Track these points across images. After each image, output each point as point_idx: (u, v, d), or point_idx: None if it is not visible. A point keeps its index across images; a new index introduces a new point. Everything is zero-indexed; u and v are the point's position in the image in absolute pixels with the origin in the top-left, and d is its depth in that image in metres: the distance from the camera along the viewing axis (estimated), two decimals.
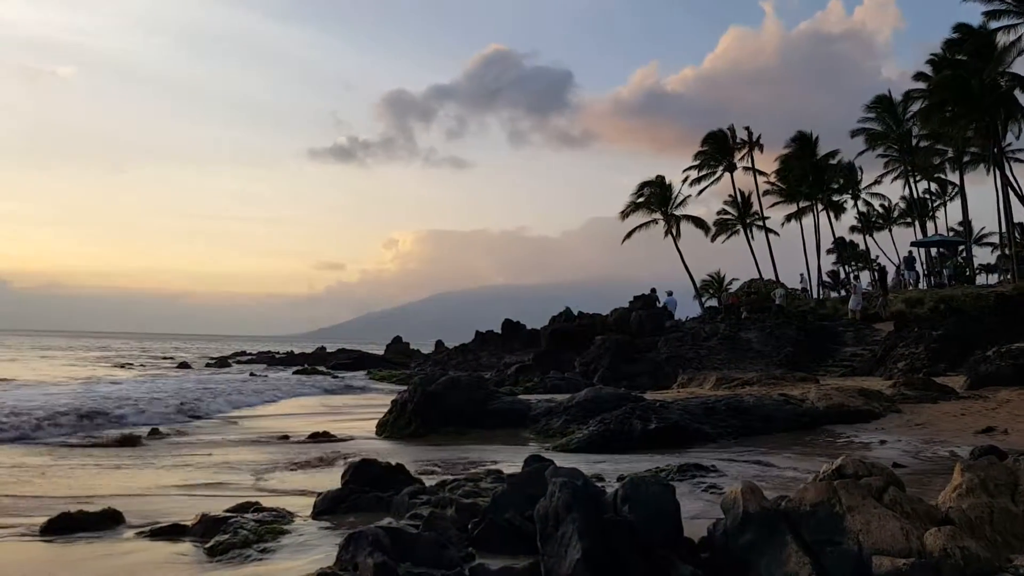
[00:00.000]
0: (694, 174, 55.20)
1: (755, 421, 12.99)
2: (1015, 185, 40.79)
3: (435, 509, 5.98)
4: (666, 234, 54.58)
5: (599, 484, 6.38)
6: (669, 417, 12.47)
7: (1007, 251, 42.37)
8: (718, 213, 58.42)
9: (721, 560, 4.64)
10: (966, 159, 47.08)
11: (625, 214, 55.18)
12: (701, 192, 56.53)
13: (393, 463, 8.01)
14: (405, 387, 18.09)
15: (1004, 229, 43.45)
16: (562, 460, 7.56)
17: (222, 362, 58.85)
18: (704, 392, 18.33)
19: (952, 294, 30.93)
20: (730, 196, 56.92)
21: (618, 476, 8.47)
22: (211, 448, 12.82)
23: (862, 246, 59.43)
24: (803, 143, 53.60)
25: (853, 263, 61.45)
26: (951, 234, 52.65)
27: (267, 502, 7.32)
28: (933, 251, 49.30)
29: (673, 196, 54.75)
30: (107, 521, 6.72)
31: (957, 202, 49.76)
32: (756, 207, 56.22)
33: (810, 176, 52.99)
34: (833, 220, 56.23)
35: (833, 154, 53.66)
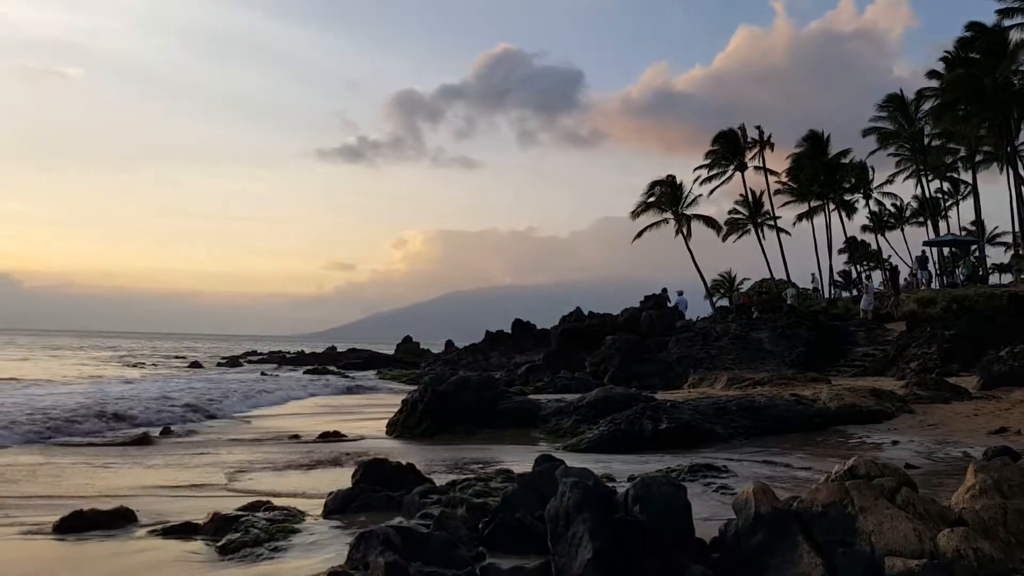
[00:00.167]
0: (705, 173, 55.14)
1: (767, 421, 12.94)
2: None
3: (446, 508, 5.99)
4: (676, 233, 54.49)
5: (610, 484, 6.36)
6: (680, 417, 12.44)
7: (1020, 251, 42.11)
8: (729, 212, 58.36)
9: (733, 561, 4.62)
10: (979, 158, 46.82)
11: (636, 214, 55.12)
12: (712, 192, 56.43)
13: (403, 462, 8.01)
14: (415, 387, 18.12)
15: (1017, 228, 43.20)
16: (573, 460, 7.56)
17: (233, 362, 59.12)
18: (715, 392, 18.28)
19: (965, 294, 30.77)
20: (741, 195, 56.82)
21: (629, 476, 8.45)
22: (222, 448, 12.88)
23: (874, 246, 59.18)
24: (814, 142, 53.41)
25: (865, 263, 61.18)
26: (964, 233, 52.34)
27: (278, 501, 7.34)
28: (945, 251, 49.03)
29: (684, 196, 54.63)
30: (119, 519, 6.75)
31: (970, 201, 49.57)
32: (767, 206, 56.09)
33: (821, 175, 52.80)
34: (845, 219, 56.04)
35: (844, 153, 53.47)
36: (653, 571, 4.34)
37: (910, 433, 12.13)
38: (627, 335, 30.95)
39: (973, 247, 48.41)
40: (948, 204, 55.92)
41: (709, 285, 58.68)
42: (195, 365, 51.36)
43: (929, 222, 53.92)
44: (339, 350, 69.23)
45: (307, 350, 75.74)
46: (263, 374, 42.07)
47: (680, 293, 39.66)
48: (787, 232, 56.17)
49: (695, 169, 55.61)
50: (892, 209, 59.16)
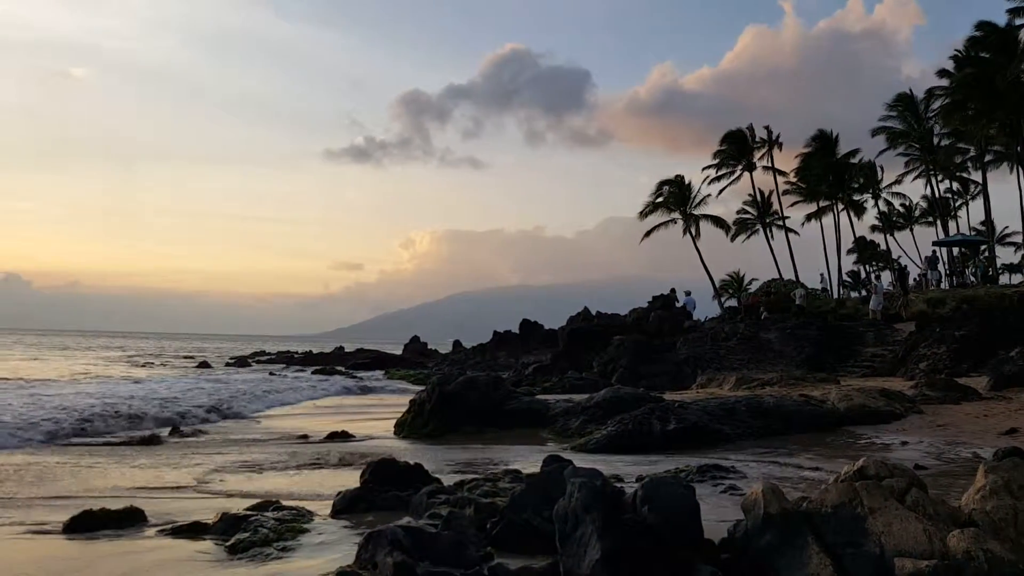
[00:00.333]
0: (713, 173, 54.95)
1: (775, 422, 12.91)
2: None
3: (454, 508, 5.99)
4: (684, 233, 54.35)
5: (618, 485, 6.36)
6: (688, 418, 12.42)
7: None
8: (737, 212, 58.16)
9: (742, 561, 4.61)
10: (989, 157, 46.58)
11: (644, 214, 54.96)
12: (721, 192, 56.28)
13: (411, 462, 8.03)
14: (423, 387, 18.14)
15: None
16: (580, 460, 7.55)
17: (242, 362, 59.28)
18: (724, 393, 18.25)
19: (975, 294, 30.62)
20: (749, 195, 56.64)
21: (637, 477, 8.45)
22: (231, 447, 12.92)
23: (883, 246, 58.94)
24: (823, 142, 53.22)
25: (874, 263, 60.94)
26: (973, 233, 52.09)
27: (286, 500, 7.36)
28: (955, 250, 48.81)
29: (692, 195, 54.50)
30: (129, 519, 6.78)
31: (980, 201, 49.27)
32: (776, 206, 55.91)
33: (830, 175, 52.60)
34: (854, 220, 55.83)
35: (853, 153, 53.24)
36: (662, 572, 4.34)
37: (919, 434, 12.09)
38: (635, 335, 30.93)
39: (983, 247, 48.18)
40: (958, 204, 55.67)
41: (717, 285, 58.53)
42: (203, 365, 51.52)
43: (939, 222, 53.68)
44: (347, 350, 69.39)
45: (315, 350, 75.90)
46: (271, 374, 42.18)
47: (688, 293, 39.61)
48: (796, 232, 56.03)
49: (703, 169, 55.46)
50: (901, 209, 58.95)
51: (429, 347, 66.77)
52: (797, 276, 51.08)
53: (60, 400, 19.17)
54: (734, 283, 64.65)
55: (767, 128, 54.81)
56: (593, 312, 41.26)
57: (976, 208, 55.57)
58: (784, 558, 4.43)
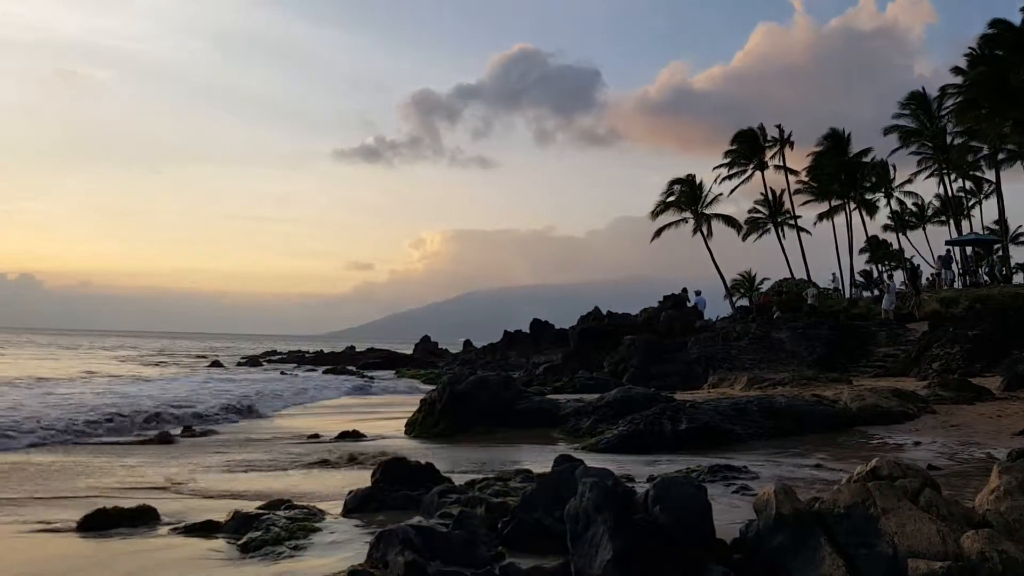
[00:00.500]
0: (724, 172, 54.77)
1: (787, 422, 12.86)
2: None
3: (465, 508, 6.00)
4: (694, 232, 54.19)
5: (629, 485, 6.35)
6: (700, 418, 12.39)
7: None
8: (749, 212, 57.95)
9: (754, 561, 4.59)
10: (1002, 156, 46.24)
11: (655, 213, 54.81)
12: (732, 191, 56.07)
13: (422, 462, 8.04)
14: (434, 387, 18.15)
15: None
16: (591, 460, 7.55)
17: (253, 361, 59.45)
18: (735, 393, 18.20)
19: (988, 293, 30.43)
20: (761, 194, 56.43)
21: (648, 477, 8.43)
22: (242, 446, 12.97)
23: (895, 245, 58.63)
24: (835, 141, 52.95)
25: (886, 262, 60.63)
26: (987, 232, 51.75)
27: (298, 499, 7.38)
28: (968, 250, 48.51)
29: (703, 195, 54.34)
30: (142, 517, 6.82)
31: (993, 200, 48.94)
32: (787, 206, 55.69)
33: (842, 174, 52.33)
34: (866, 219, 55.56)
35: (866, 152, 52.95)
36: (673, 572, 4.33)
37: (932, 434, 12.03)
38: (646, 335, 30.87)
39: (996, 246, 47.86)
40: (971, 203, 55.32)
41: (729, 285, 58.36)
42: (215, 365, 51.69)
43: (951, 221, 53.34)
44: (357, 350, 69.52)
45: (326, 350, 76.05)
46: (283, 373, 42.32)
47: (698, 293, 39.50)
48: (807, 231, 55.79)
49: (714, 168, 55.25)
50: (914, 208, 58.62)
51: (440, 347, 66.82)
52: (809, 276, 50.88)
53: (72, 399, 19.32)
54: (745, 282, 64.45)
55: (779, 127, 54.61)
56: (604, 312, 41.19)
57: (989, 207, 55.24)
58: (796, 558, 4.41)
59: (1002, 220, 47.75)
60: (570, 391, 23.47)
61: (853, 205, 54.63)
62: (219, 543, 6.10)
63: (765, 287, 54.46)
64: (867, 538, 4.36)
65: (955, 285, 40.10)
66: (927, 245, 53.96)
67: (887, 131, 49.65)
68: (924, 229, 58.08)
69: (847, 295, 48.57)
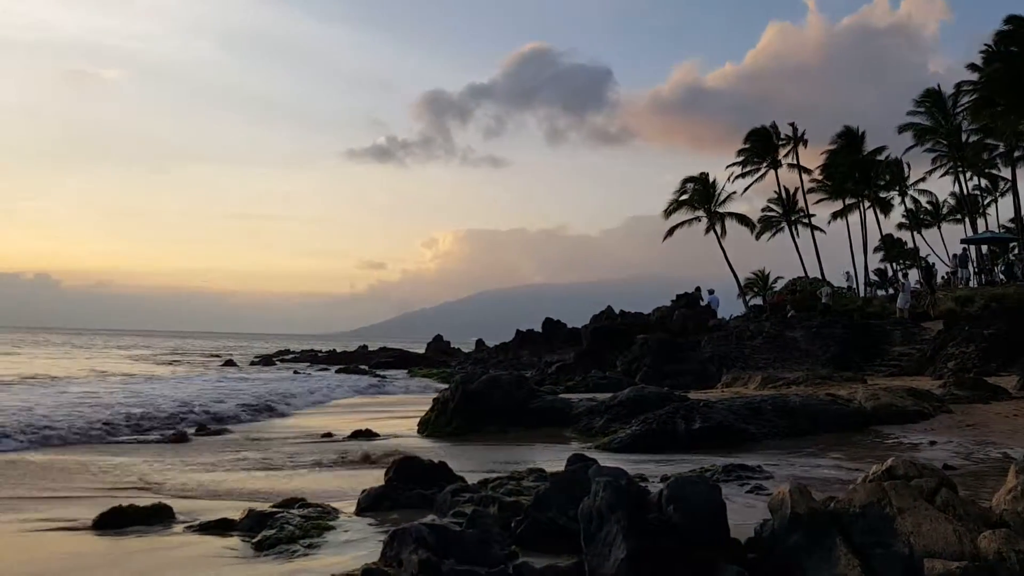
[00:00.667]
0: (737, 171, 54.57)
1: (801, 421, 12.81)
2: None
3: (478, 507, 6.00)
4: (707, 231, 54.04)
5: (643, 484, 6.34)
6: (713, 417, 12.35)
7: None
8: (762, 210, 57.73)
9: (768, 561, 4.57)
10: (1018, 153, 45.86)
11: (668, 212, 54.70)
12: (746, 190, 55.87)
13: (435, 461, 8.05)
14: (446, 386, 18.17)
15: None
16: (605, 459, 7.54)
17: (267, 361, 59.67)
18: (749, 392, 18.13)
19: (1004, 292, 30.21)
20: (775, 193, 56.20)
21: (662, 476, 8.41)
22: (256, 445, 13.02)
23: (910, 244, 58.29)
24: (849, 139, 52.68)
25: (901, 261, 60.28)
26: (1003, 231, 51.34)
27: (311, 498, 7.40)
28: (984, 248, 48.15)
29: (716, 193, 54.17)
30: (157, 515, 6.86)
31: (1009, 198, 48.55)
32: (801, 204, 55.44)
33: (856, 172, 52.06)
34: (880, 217, 55.26)
35: (880, 150, 52.65)
36: (687, 571, 4.31)
37: (948, 433, 11.94)
38: (659, 334, 30.80)
39: (1012, 245, 47.48)
40: (986, 201, 54.92)
41: (742, 284, 58.16)
42: (229, 364, 51.92)
43: (967, 219, 52.97)
44: (370, 349, 69.68)
45: (339, 349, 76.26)
46: (296, 372, 42.47)
47: (711, 292, 39.37)
48: (822, 230, 55.54)
49: (727, 167, 55.08)
50: (928, 207, 58.25)
51: (452, 346, 66.88)
52: (823, 274, 50.65)
53: (88, 399, 19.46)
54: (759, 281, 64.24)
55: (792, 125, 54.38)
56: (617, 311, 41.13)
57: (1005, 205, 54.79)
58: (812, 558, 4.39)
59: (1018, 218, 47.31)
60: (583, 390, 23.44)
61: (867, 203, 54.34)
62: (234, 541, 6.13)
63: (779, 286, 54.23)
64: (883, 538, 4.34)
65: (970, 284, 39.84)
66: (942, 244, 53.66)
67: (902, 129, 49.36)
68: (939, 227, 57.74)
69: (861, 294, 48.32)
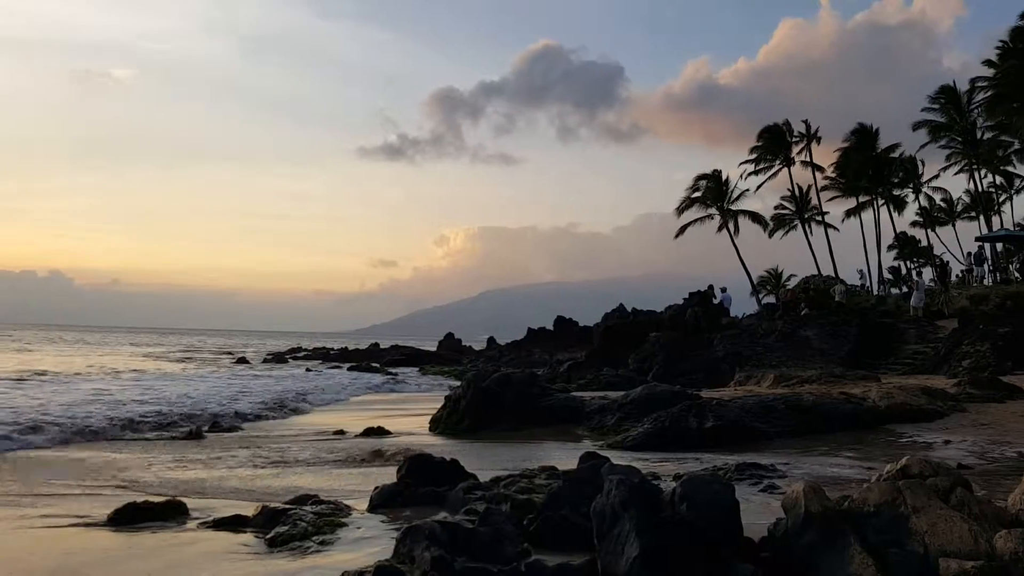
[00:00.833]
0: (750, 168, 54.36)
1: (815, 420, 12.75)
2: None
3: (490, 505, 6.00)
4: (720, 229, 53.85)
5: (655, 482, 6.33)
6: (726, 415, 12.32)
7: None
8: (775, 208, 57.47)
9: (782, 560, 4.56)
10: None
11: (680, 210, 54.55)
12: (759, 188, 55.65)
13: (447, 458, 8.06)
14: (458, 384, 18.19)
15: None
16: (617, 458, 7.53)
17: (279, 358, 59.89)
18: (762, 390, 18.06)
19: (1019, 290, 29.98)
20: (788, 190, 55.95)
21: (674, 475, 8.40)
22: (269, 442, 13.07)
23: (924, 242, 57.94)
24: (863, 136, 52.37)
25: (915, 259, 59.91)
26: (1018, 229, 50.93)
27: (324, 495, 7.43)
28: (998, 246, 47.80)
29: (729, 191, 53.97)
30: (171, 511, 6.90)
31: None
32: (815, 202, 55.18)
33: (870, 170, 51.76)
34: (894, 215, 54.94)
35: (894, 147, 52.34)
36: (701, 570, 4.30)
37: (963, 433, 11.86)
38: (671, 332, 30.71)
39: None
40: (1001, 199, 54.51)
41: (755, 282, 57.96)
42: (242, 361, 52.16)
43: (981, 217, 52.58)
44: (382, 347, 69.83)
45: (351, 347, 76.49)
46: (308, 370, 42.61)
47: (724, 290, 39.21)
48: (835, 228, 55.26)
49: (740, 164, 54.90)
50: (943, 204, 57.86)
51: (463, 344, 66.95)
52: (836, 272, 50.40)
53: (103, 396, 19.58)
54: (772, 279, 63.98)
55: (805, 122, 54.12)
56: (628, 309, 41.05)
57: (1021, 203, 54.42)
58: (825, 557, 4.37)
59: None
60: (595, 388, 23.41)
61: (881, 201, 54.04)
62: (247, 537, 6.16)
63: (792, 284, 53.99)
64: (897, 537, 4.31)
65: (985, 282, 39.57)
66: (956, 241, 53.27)
67: (916, 126, 49.04)
68: (953, 225, 57.33)
69: (875, 292, 48.06)
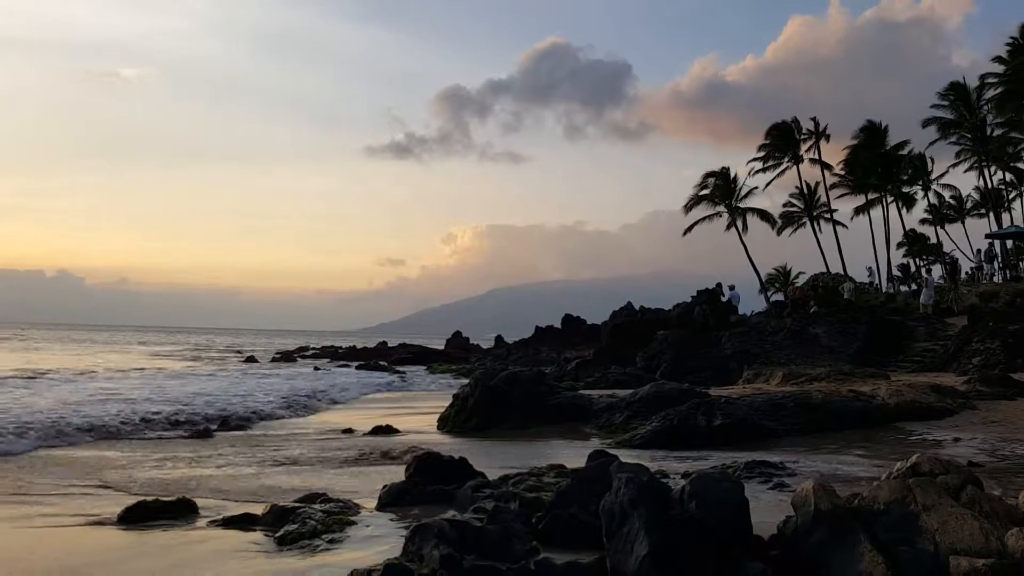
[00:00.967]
0: (758, 166, 54.20)
1: (824, 418, 12.70)
2: None
3: (499, 503, 6.00)
4: (728, 227, 53.72)
5: (664, 481, 6.32)
6: (735, 413, 12.29)
7: None
8: (784, 205, 57.28)
9: (791, 558, 4.55)
10: None
11: (688, 207, 54.43)
12: (767, 185, 55.47)
13: (456, 457, 8.06)
14: (465, 382, 18.19)
15: None
16: (625, 456, 7.52)
17: (287, 357, 60.03)
18: (771, 388, 18.01)
19: None
20: (796, 188, 55.76)
21: (683, 473, 8.38)
22: (278, 441, 13.10)
23: (933, 239, 57.71)
24: (872, 133, 52.14)
25: (924, 256, 59.67)
26: None
27: (332, 493, 7.44)
28: (1008, 243, 47.56)
29: (737, 188, 53.82)
30: (181, 510, 6.93)
31: None
32: (823, 199, 54.98)
33: (879, 167, 51.55)
34: (903, 212, 54.72)
35: (903, 144, 52.11)
36: (710, 568, 4.30)
37: (973, 430, 11.81)
38: (679, 330, 30.66)
39: None
40: (1011, 196, 54.22)
41: (764, 279, 57.79)
42: (250, 360, 52.29)
43: (991, 214, 52.32)
44: (390, 345, 69.92)
45: (359, 345, 76.61)
46: (316, 369, 42.68)
47: (732, 287, 39.11)
48: (844, 225, 55.04)
49: (748, 162, 54.72)
50: (952, 201, 57.60)
51: (471, 342, 66.99)
52: (845, 270, 50.23)
53: (113, 395, 19.65)
54: (781, 277, 63.79)
55: (814, 120, 53.86)
56: (637, 307, 41.01)
57: None
58: (835, 555, 4.36)
59: None
60: (602, 387, 23.38)
61: (890, 198, 53.82)
62: (257, 535, 6.17)
63: (800, 282, 53.81)
64: (908, 535, 4.30)
65: (995, 279, 39.40)
66: (966, 239, 53.06)
67: (925, 123, 48.82)
68: (963, 222, 57.07)
69: (884, 289, 47.88)
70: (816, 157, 53.86)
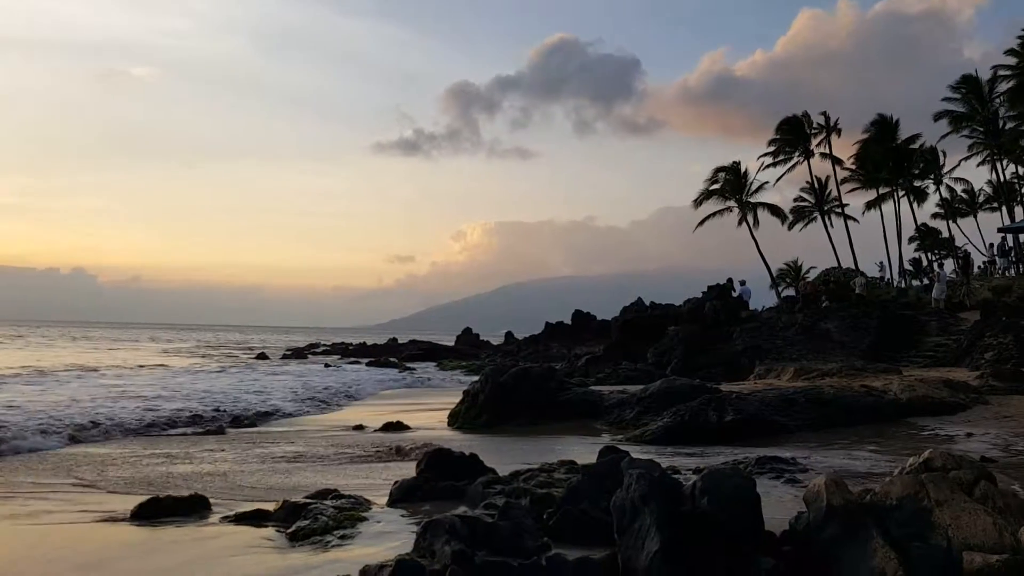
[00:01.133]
0: (769, 160, 54.01)
1: (836, 413, 12.67)
2: None
3: (510, 499, 6.00)
4: (739, 222, 53.56)
5: (675, 476, 6.31)
6: (746, 409, 12.26)
7: None
8: (795, 200, 57.09)
9: (803, 554, 4.54)
10: None
11: (698, 202, 54.29)
12: (778, 180, 55.29)
13: (466, 453, 8.07)
14: (476, 378, 18.22)
15: None
16: (636, 452, 7.52)
17: (298, 353, 60.21)
18: (782, 384, 17.96)
19: None
20: (807, 183, 55.54)
21: (695, 468, 8.37)
22: (290, 437, 13.16)
23: (945, 233, 57.40)
24: (883, 127, 51.87)
25: (936, 251, 59.35)
26: None
27: (344, 489, 7.46)
28: (1021, 237, 47.25)
29: (748, 183, 53.64)
30: (194, 506, 6.96)
31: None
32: (834, 194, 54.76)
33: (890, 161, 51.29)
34: (915, 206, 54.44)
35: (915, 138, 51.83)
36: (722, 564, 4.29)
37: (986, 425, 11.76)
38: (690, 326, 30.60)
39: None
40: None
41: (775, 274, 57.62)
42: (261, 357, 52.47)
43: (1003, 208, 52.00)
44: (400, 342, 70.06)
45: (369, 342, 76.76)
46: (327, 365, 42.80)
47: (743, 283, 39.01)
48: (855, 220, 54.81)
49: (759, 157, 54.57)
50: (964, 195, 57.28)
51: (481, 338, 67.05)
52: (856, 264, 50.04)
53: (124, 392, 19.77)
54: (792, 272, 63.60)
55: (824, 114, 53.62)
56: (647, 302, 40.92)
57: None
58: (847, 551, 4.35)
59: None
60: (613, 382, 23.36)
61: (902, 192, 53.56)
62: (269, 531, 6.20)
63: (811, 277, 53.62)
64: (920, 530, 4.28)
65: (1008, 273, 39.17)
66: (978, 232, 52.75)
67: (937, 116, 48.55)
68: (975, 216, 56.74)
69: (895, 284, 47.67)
70: (827, 151, 53.67)
